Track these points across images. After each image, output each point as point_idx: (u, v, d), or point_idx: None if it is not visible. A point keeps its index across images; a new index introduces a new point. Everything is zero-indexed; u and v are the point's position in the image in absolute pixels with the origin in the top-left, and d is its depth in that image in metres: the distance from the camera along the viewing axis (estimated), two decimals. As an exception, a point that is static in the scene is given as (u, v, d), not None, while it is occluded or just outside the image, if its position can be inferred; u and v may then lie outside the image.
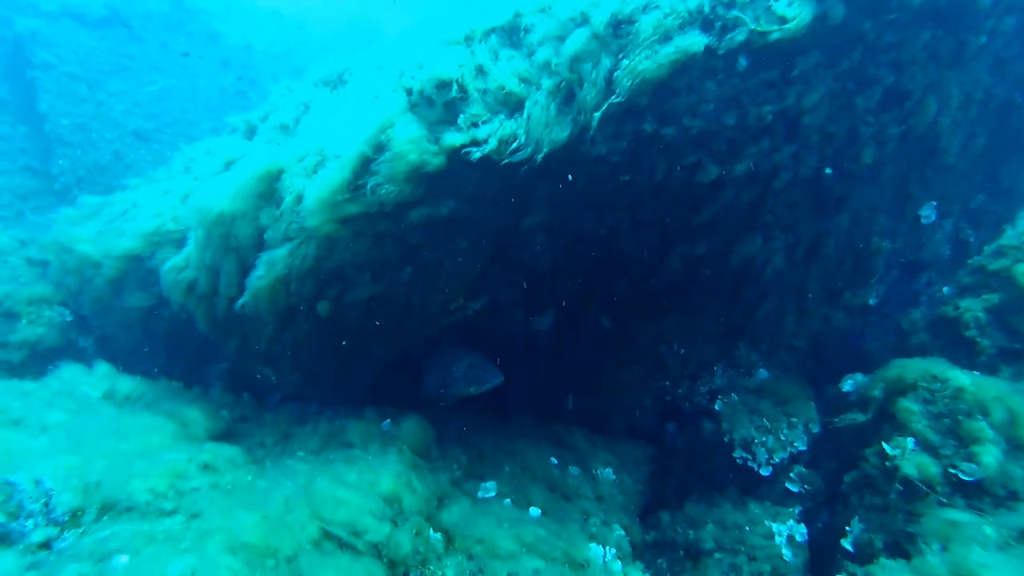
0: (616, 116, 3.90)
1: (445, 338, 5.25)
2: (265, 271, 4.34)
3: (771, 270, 5.19)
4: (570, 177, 4.22)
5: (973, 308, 5.40)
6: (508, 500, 4.26)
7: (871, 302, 6.19)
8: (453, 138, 3.98)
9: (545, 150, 3.91)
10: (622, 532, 4.24)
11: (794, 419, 5.38)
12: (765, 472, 5.14)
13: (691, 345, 5.54)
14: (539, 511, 4.18)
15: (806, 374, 6.07)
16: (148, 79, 12.72)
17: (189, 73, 13.42)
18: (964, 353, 5.28)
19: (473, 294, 5.01)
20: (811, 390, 5.73)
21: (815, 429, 5.38)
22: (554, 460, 4.98)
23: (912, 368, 4.78)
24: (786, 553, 4.55)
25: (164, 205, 6.53)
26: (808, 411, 5.47)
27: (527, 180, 4.31)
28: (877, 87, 4.51)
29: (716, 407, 5.56)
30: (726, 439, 5.40)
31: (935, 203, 5.89)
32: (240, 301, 4.62)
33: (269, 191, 4.63)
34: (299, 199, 4.34)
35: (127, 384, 5.08)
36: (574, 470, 4.95)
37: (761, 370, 5.78)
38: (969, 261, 6.04)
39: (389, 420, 4.61)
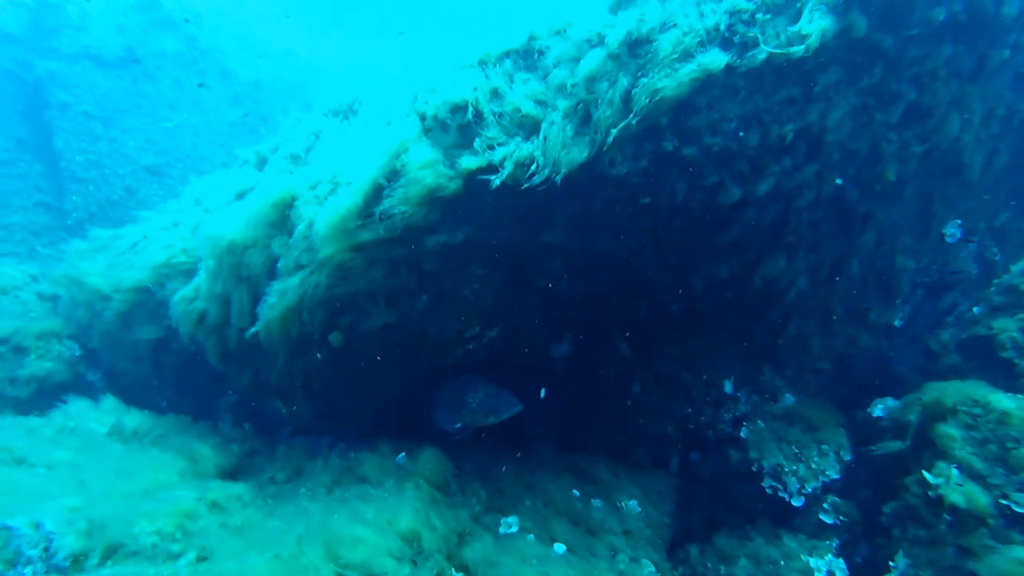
0: (635, 136, 3.79)
1: (461, 367, 5.08)
2: (277, 300, 4.21)
3: (795, 291, 5.01)
4: (589, 200, 4.09)
5: (1008, 328, 5.19)
6: (531, 536, 4.03)
7: (897, 323, 5.98)
8: (469, 161, 3.87)
9: (563, 171, 3.80)
10: (652, 569, 3.99)
11: (824, 446, 5.13)
12: (797, 503, 4.88)
13: (714, 370, 5.34)
14: (564, 547, 3.94)
15: (833, 399, 5.84)
16: (161, 115, 12.85)
17: (201, 109, 13.57)
18: (1001, 375, 5.05)
19: (489, 321, 4.85)
20: (840, 415, 5.49)
21: (847, 456, 5.13)
22: (576, 492, 4.75)
23: (950, 392, 4.55)
24: (827, 591, 4.28)
25: (174, 237, 6.45)
26: (838, 437, 5.22)
27: (545, 204, 4.19)
28: (899, 103, 4.39)
29: (742, 434, 5.32)
30: (754, 468, 5.15)
31: (960, 221, 5.72)
32: (251, 330, 4.48)
33: (281, 219, 4.53)
34: (311, 226, 4.23)
35: (134, 419, 4.92)
36: (597, 503, 4.71)
37: (787, 395, 5.56)
38: (997, 280, 5.84)
39: (404, 454, 4.41)
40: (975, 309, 5.77)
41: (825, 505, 4.94)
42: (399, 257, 4.18)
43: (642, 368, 5.36)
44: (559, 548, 3.93)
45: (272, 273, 4.48)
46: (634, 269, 4.63)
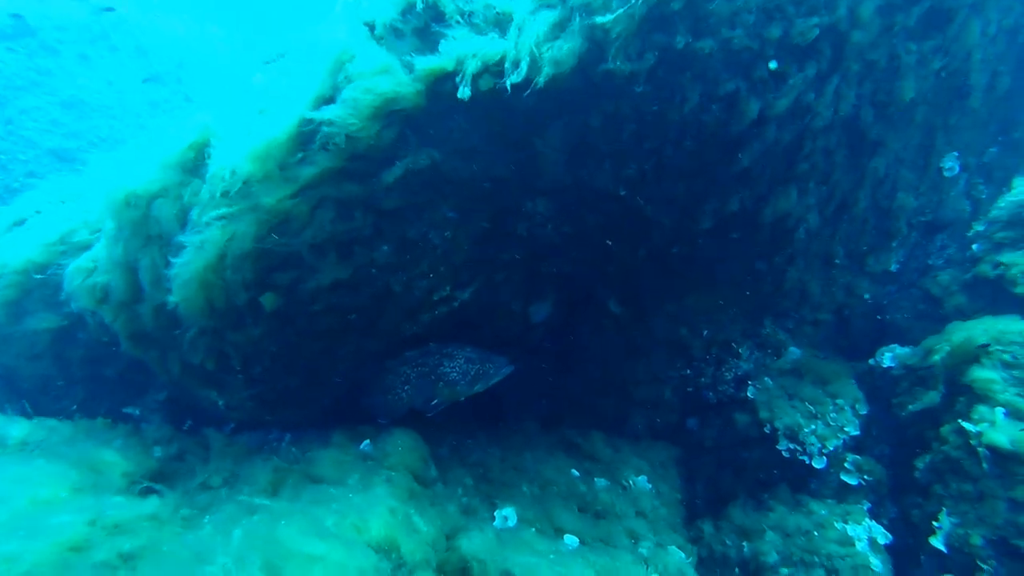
0: (641, 26, 2.99)
1: (422, 339, 4.19)
2: (192, 256, 3.21)
3: (803, 230, 4.36)
4: (583, 115, 3.28)
5: (1019, 262, 4.71)
6: (533, 528, 3.21)
7: (893, 268, 5.45)
8: (429, 62, 2.98)
9: (547, 71, 2.96)
10: (682, 556, 3.25)
11: (839, 400, 4.53)
12: (819, 464, 4.25)
13: (716, 325, 4.65)
14: (576, 540, 3.14)
15: (833, 351, 5.28)
16: (67, 95, 11.23)
17: (115, 88, 11.98)
18: (1018, 313, 4.56)
19: (462, 281, 3.98)
20: (848, 367, 4.91)
21: (863, 410, 4.54)
22: (576, 472, 3.97)
23: (979, 330, 4.01)
24: (874, 562, 3.64)
25: (75, 210, 5.25)
26: (852, 391, 4.63)
27: (527, 122, 3.35)
28: (923, 3, 3.77)
29: (748, 394, 4.66)
30: (766, 430, 4.50)
31: (956, 154, 5.22)
32: (171, 301, 3.46)
33: (197, 161, 3.51)
34: (233, 163, 3.24)
35: (22, 428, 3.80)
36: (602, 482, 3.94)
37: (791, 348, 4.93)
38: (992, 215, 5.41)
39: (368, 441, 3.51)
40: (975, 247, 5.31)
41: (847, 464, 4.34)
42: (352, 197, 3.25)
43: (634, 328, 4.61)
44: (570, 541, 3.13)
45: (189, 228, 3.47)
46: (632, 208, 3.85)
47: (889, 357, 4.89)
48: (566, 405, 4.95)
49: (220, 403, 3.77)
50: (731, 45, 3.13)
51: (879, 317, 5.54)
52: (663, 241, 4.08)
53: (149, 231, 3.56)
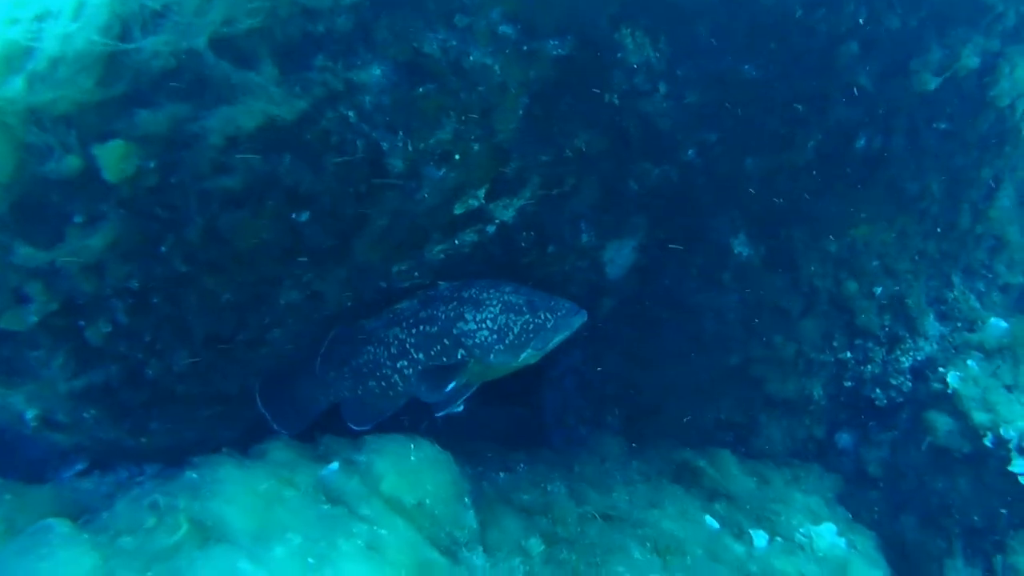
0: None
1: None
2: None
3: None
4: None
5: None
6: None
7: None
8: None
9: None
10: None
11: (1096, 395, 2.75)
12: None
13: (894, 278, 2.89)
14: None
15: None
16: None
17: None
18: None
19: (504, 181, 2.21)
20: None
21: None
22: (713, 522, 2.13)
23: None
24: None
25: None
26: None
27: None
28: None
29: (950, 382, 2.86)
30: (987, 441, 2.69)
31: None
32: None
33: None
34: None
35: None
36: (760, 538, 2.10)
37: (992, 319, 3.16)
38: None
39: (336, 462, 1.65)
40: None
41: None
42: None
43: (769, 281, 2.84)
44: None
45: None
46: (814, 52, 2.14)
47: None
48: (649, 409, 3.12)
49: (29, 416, 1.88)
50: None
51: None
52: (852, 121, 2.34)
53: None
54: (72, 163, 1.42)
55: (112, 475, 2.20)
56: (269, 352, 2.12)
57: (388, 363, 2.32)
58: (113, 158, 1.42)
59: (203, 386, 2.07)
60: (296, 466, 1.57)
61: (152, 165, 1.51)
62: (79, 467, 2.34)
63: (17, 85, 1.41)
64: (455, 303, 2.21)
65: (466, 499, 1.65)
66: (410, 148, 1.83)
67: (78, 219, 1.63)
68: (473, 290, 2.23)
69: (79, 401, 1.83)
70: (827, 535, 2.18)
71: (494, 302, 2.19)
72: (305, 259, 1.90)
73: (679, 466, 2.55)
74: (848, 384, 3.05)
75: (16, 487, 1.83)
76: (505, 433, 3.35)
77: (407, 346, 2.27)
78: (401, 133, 1.78)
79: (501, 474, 2.25)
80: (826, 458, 3.17)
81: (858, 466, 3.14)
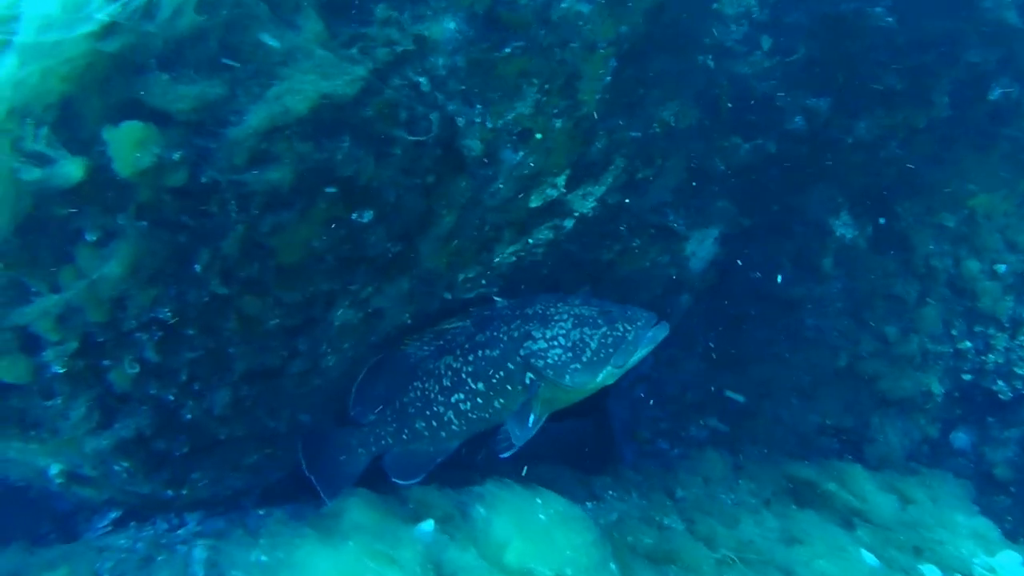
0: None
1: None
2: None
3: None
4: None
5: None
6: None
7: None
8: None
9: None
10: None
11: None
12: None
13: (1020, 254, 2.49)
14: None
15: None
16: None
17: None
18: None
19: (588, 164, 1.85)
20: None
21: None
22: (871, 558, 1.75)
23: None
24: None
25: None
26: None
27: None
28: None
29: (1095, 375, 2.46)
30: None
31: None
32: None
33: None
34: None
35: None
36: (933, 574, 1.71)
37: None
38: None
39: (432, 520, 1.28)
40: None
41: None
42: None
43: (877, 264, 2.45)
44: None
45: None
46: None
47: None
48: (742, 418, 2.73)
49: (53, 472, 1.54)
50: None
51: None
52: (988, 69, 1.96)
53: None
54: (72, 168, 1.07)
55: (150, 528, 1.86)
56: (322, 384, 1.76)
57: (440, 398, 1.94)
58: (127, 144, 1.07)
59: (248, 426, 1.72)
60: (386, 533, 1.20)
61: (176, 157, 1.16)
62: (112, 516, 2.00)
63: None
64: (518, 321, 1.84)
65: (612, 565, 1.27)
66: (488, 125, 1.47)
67: (90, 237, 1.28)
68: (538, 306, 1.86)
69: (108, 454, 1.49)
70: (1012, 568, 1.78)
71: (564, 316, 1.82)
72: (364, 268, 1.55)
73: (795, 483, 2.16)
74: (967, 377, 2.65)
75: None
76: (568, 451, 2.98)
77: (463, 375, 1.89)
78: (479, 106, 1.42)
79: (614, 514, 1.87)
80: (940, 460, 2.78)
81: (980, 468, 2.74)
